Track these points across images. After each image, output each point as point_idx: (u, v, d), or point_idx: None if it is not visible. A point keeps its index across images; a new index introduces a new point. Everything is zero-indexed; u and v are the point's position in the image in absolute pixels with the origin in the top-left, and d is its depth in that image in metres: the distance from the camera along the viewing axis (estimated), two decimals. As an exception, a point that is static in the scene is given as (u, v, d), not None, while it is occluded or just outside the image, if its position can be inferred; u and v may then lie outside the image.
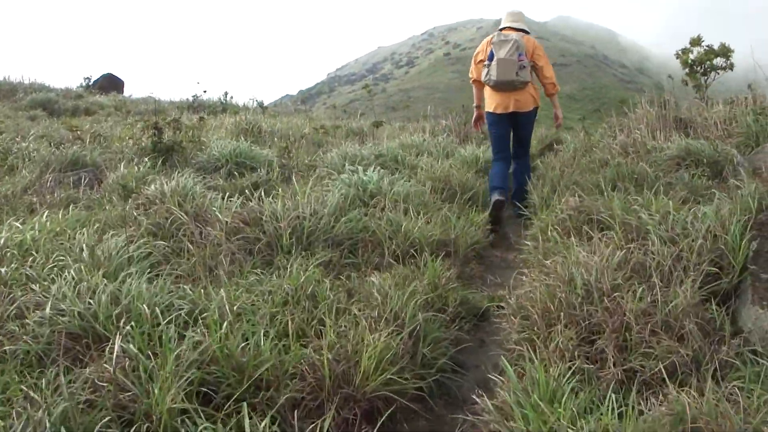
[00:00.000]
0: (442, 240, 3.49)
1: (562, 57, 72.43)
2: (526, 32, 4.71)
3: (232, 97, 13.54)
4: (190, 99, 13.58)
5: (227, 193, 4.18)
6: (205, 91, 14.32)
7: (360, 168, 4.27)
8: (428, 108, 7.71)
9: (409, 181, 4.36)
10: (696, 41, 8.42)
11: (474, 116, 5.01)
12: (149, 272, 2.79)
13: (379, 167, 4.55)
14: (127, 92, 19.88)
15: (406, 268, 3.03)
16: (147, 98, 15.70)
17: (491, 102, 4.63)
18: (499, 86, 4.48)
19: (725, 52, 8.11)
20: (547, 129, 8.90)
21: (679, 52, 8.63)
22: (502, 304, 2.82)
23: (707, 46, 8.32)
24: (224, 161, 5.34)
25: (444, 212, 3.83)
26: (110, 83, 20.98)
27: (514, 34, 4.51)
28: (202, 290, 2.55)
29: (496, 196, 4.43)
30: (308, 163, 5.27)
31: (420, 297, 2.55)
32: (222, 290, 2.48)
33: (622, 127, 6.36)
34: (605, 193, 3.69)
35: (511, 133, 4.75)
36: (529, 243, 3.50)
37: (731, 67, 8.08)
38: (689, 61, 8.29)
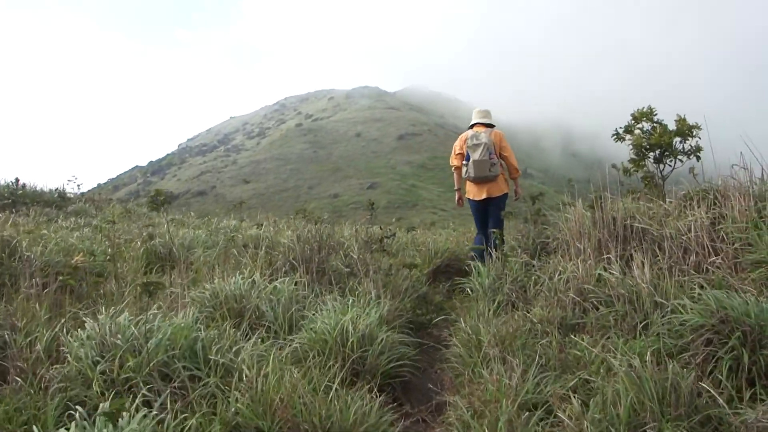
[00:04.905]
0: None
1: (413, 126, 70.81)
2: (493, 126, 6.01)
3: (24, 185, 10.64)
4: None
5: None
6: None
7: (101, 421, 1.86)
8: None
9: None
10: (645, 114, 6.22)
11: (456, 197, 6.37)
12: None
13: (152, 395, 2.13)
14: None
15: None
16: None
17: (470, 191, 6.01)
18: (476, 180, 5.83)
19: (687, 129, 5.90)
20: (446, 237, 7.75)
21: (620, 131, 6.39)
22: None
23: (657, 121, 6.15)
24: None
25: None
26: None
27: (483, 135, 5.78)
28: None
29: (474, 254, 5.64)
30: (44, 347, 2.68)
31: None
32: None
33: (550, 242, 4.81)
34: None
35: (487, 213, 5.96)
36: None
37: (698, 151, 5.87)
38: (644, 145, 6.02)
